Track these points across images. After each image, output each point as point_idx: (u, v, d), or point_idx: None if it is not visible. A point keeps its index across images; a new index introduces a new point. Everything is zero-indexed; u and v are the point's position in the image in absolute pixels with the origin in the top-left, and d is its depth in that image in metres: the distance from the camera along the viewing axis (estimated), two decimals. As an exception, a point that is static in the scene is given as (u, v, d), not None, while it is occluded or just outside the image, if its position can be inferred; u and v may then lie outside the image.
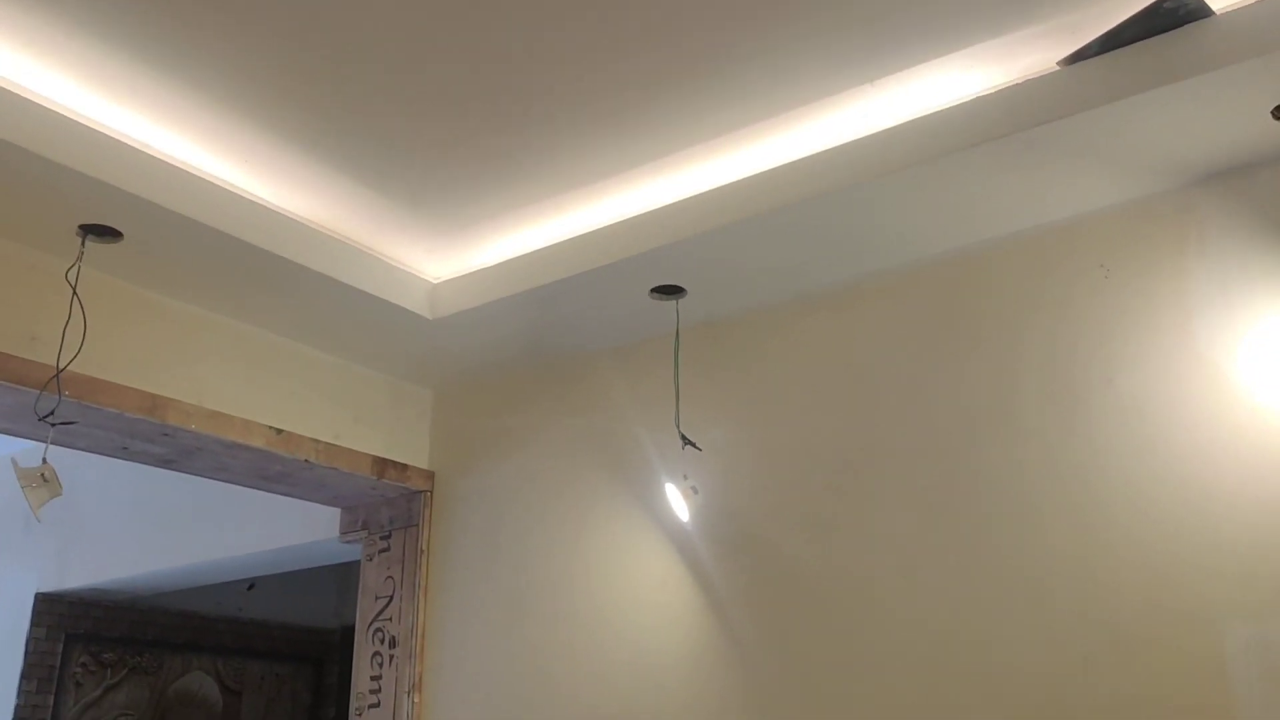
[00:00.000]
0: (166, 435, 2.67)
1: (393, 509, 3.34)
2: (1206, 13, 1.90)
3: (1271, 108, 1.97)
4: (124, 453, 2.82)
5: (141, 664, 4.81)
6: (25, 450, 3.03)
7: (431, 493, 3.30)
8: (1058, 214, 2.35)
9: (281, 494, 3.27)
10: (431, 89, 2.15)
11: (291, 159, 2.38)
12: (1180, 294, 2.17)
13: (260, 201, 2.49)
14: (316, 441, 2.97)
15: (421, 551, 3.22)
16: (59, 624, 4.54)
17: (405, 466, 3.24)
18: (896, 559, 2.34)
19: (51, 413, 2.33)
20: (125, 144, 2.22)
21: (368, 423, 3.17)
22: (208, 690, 5.08)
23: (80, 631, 4.60)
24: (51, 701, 4.46)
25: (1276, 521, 1.95)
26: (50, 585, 4.53)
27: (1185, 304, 2.16)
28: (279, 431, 2.86)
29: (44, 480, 2.31)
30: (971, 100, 2.14)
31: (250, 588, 5.24)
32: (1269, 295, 1.99)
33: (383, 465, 3.16)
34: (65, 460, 2.49)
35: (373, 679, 3.18)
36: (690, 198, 2.47)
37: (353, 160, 2.40)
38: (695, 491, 2.59)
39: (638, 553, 2.77)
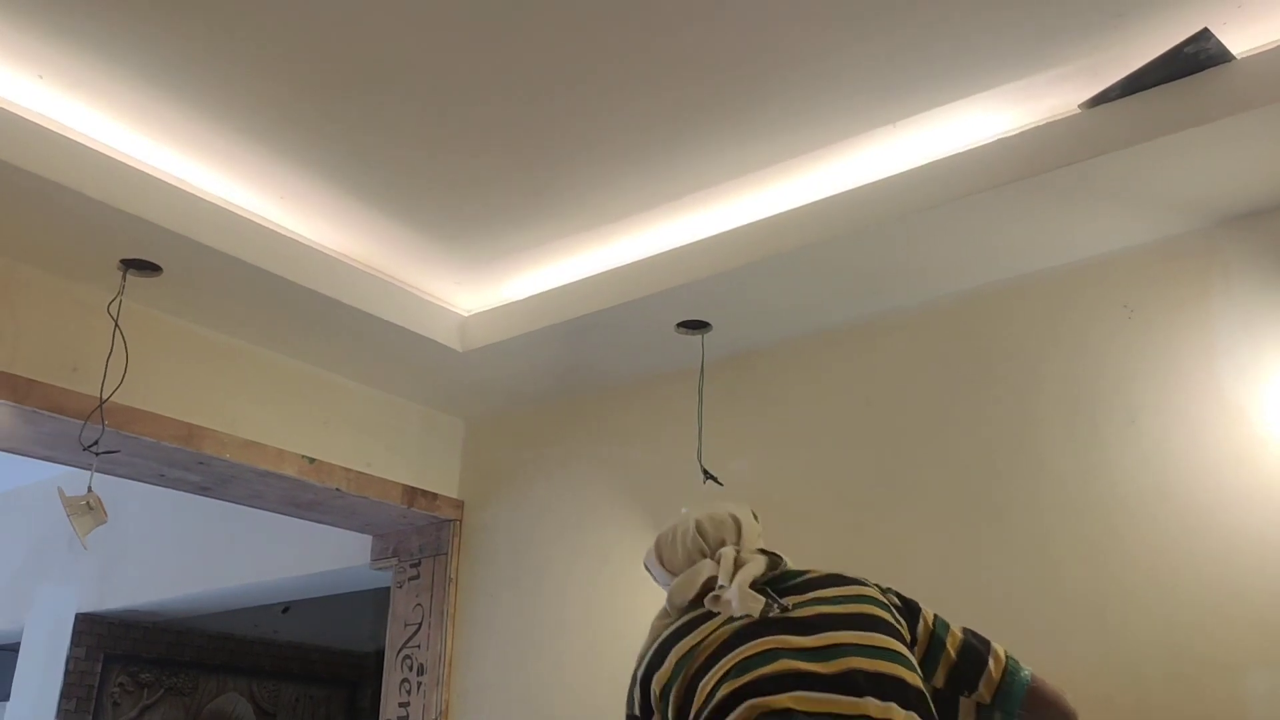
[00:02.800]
0: (202, 464, 2.74)
1: (422, 537, 3.38)
2: (1227, 58, 1.91)
3: (1295, 150, 1.97)
4: (161, 480, 2.89)
5: (178, 685, 4.89)
6: (65, 474, 3.13)
7: (461, 522, 3.34)
8: (1080, 253, 2.35)
9: (314, 521, 3.33)
10: (462, 125, 2.20)
11: (326, 195, 2.45)
12: (1204, 335, 2.16)
13: (295, 237, 2.56)
14: (348, 470, 3.02)
15: (450, 580, 3.26)
16: (98, 644, 4.63)
17: (435, 495, 3.28)
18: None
19: (95, 442, 2.40)
20: (165, 181, 2.29)
21: (399, 452, 3.22)
22: (242, 711, 5.15)
23: (119, 652, 4.69)
24: (90, 720, 4.55)
25: (1300, 568, 1.93)
26: (90, 606, 4.63)
27: (1209, 345, 2.15)
28: (311, 460, 2.92)
29: (89, 508, 2.38)
30: (994, 142, 2.16)
31: (285, 611, 5.30)
32: (1293, 338, 1.98)
33: (412, 494, 3.21)
34: (107, 485, 2.57)
35: (401, 705, 3.22)
36: (716, 235, 2.50)
37: (385, 196, 2.46)
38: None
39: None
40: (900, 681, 1.53)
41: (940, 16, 1.90)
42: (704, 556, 1.79)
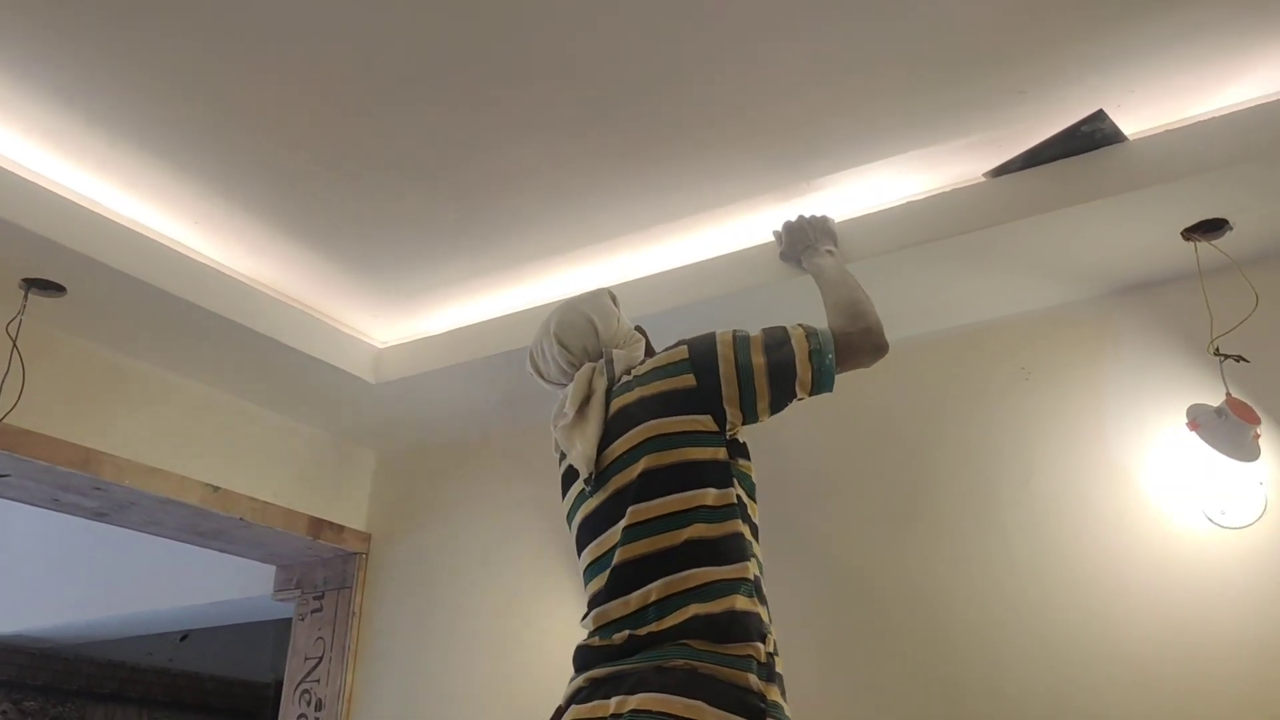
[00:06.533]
0: (99, 489, 2.67)
1: (327, 569, 3.33)
2: (1120, 138, 2.01)
3: (1181, 229, 2.07)
4: (56, 505, 2.80)
5: (63, 714, 4.72)
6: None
7: (367, 555, 3.30)
8: (981, 315, 2.43)
9: (216, 550, 3.25)
10: (383, 160, 2.20)
11: (241, 222, 2.42)
12: (1095, 400, 2.25)
13: (207, 262, 2.52)
14: (253, 500, 2.97)
15: (353, 614, 3.21)
16: (-20, 670, 4.46)
17: (342, 528, 3.24)
18: (811, 658, 2.36)
19: (-16, 463, 2.32)
20: (72, 201, 2.25)
21: (307, 482, 3.17)
22: (131, 742, 4.99)
23: (2, 679, 4.51)
24: (-32, 749, 4.37)
25: (1170, 630, 2.01)
26: (-28, 630, 4.46)
27: (1100, 410, 2.23)
28: (215, 489, 2.86)
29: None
30: (902, 205, 2.23)
31: (183, 639, 5.16)
32: (1175, 406, 2.07)
33: (319, 525, 3.16)
34: (-6, 508, 2.49)
35: (296, 742, 3.15)
36: (631, 281, 2.53)
37: (303, 226, 2.44)
38: None
39: (571, 625, 2.77)
40: None
41: (857, 84, 1.96)
42: (575, 367, 1.93)
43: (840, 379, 1.83)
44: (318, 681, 3.19)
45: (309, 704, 3.17)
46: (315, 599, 3.32)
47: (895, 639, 2.28)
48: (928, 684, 2.21)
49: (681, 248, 2.49)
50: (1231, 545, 2.01)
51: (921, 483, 2.38)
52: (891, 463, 2.43)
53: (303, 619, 3.33)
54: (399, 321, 2.89)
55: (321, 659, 3.21)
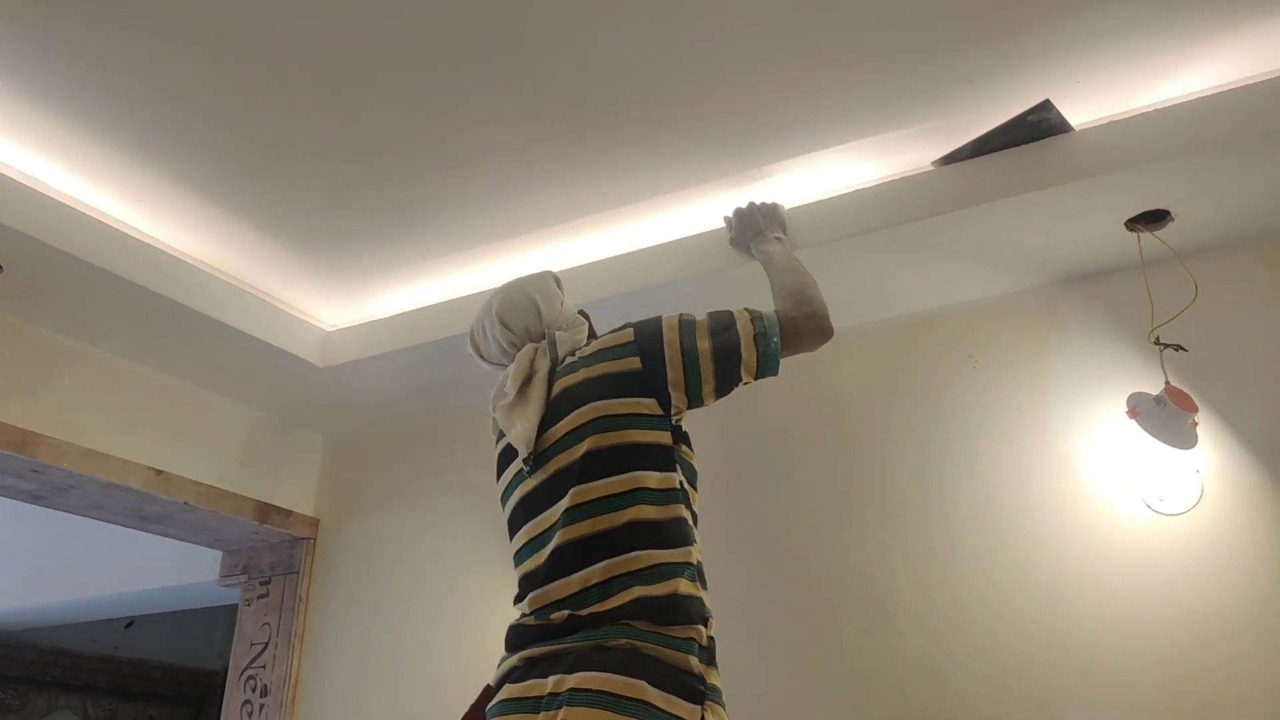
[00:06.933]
0: (37, 472, 2.61)
1: (274, 555, 3.29)
2: (1066, 128, 2.02)
3: (1125, 219, 2.10)
4: (-9, 487, 2.75)
5: (4, 701, 4.63)
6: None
7: (315, 541, 3.26)
8: (930, 303, 2.45)
9: (160, 534, 3.20)
10: (332, 139, 2.17)
11: (185, 201, 2.37)
12: (1040, 388, 2.27)
13: (151, 242, 2.47)
14: (198, 484, 2.92)
15: (300, 599, 3.18)
16: (-83, 657, 4.36)
17: (289, 513, 3.20)
18: (754, 643, 2.37)
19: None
20: (7, 177, 2.19)
21: (254, 466, 3.13)
22: (75, 730, 4.91)
23: (-60, 665, 4.43)
24: (-95, 738, 4.28)
25: (1112, 613, 2.04)
26: (-91, 616, 4.36)
27: (1044, 398, 2.26)
28: (159, 473, 2.82)
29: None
30: (851, 193, 2.24)
31: (128, 626, 5.08)
32: (1117, 394, 2.10)
33: (265, 510, 3.12)
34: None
35: (240, 729, 3.11)
36: (585, 265, 2.52)
37: (250, 206, 2.40)
38: None
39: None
40: None
41: (808, 72, 1.96)
42: (516, 348, 1.92)
43: (788, 366, 1.84)
44: (264, 667, 3.15)
45: (254, 690, 3.13)
46: (262, 584, 3.28)
47: (839, 625, 2.29)
48: (870, 670, 2.22)
49: (632, 233, 2.48)
50: (1169, 531, 2.04)
51: (868, 470, 2.39)
52: (838, 450, 2.44)
53: (249, 604, 3.29)
54: (348, 304, 2.86)
55: (268, 645, 3.18)
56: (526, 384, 1.82)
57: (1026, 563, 2.15)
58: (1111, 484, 2.12)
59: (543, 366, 1.82)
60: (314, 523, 3.28)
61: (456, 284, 2.71)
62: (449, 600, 2.89)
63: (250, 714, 3.11)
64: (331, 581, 3.18)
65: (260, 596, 3.27)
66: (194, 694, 5.32)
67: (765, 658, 2.34)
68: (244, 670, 3.20)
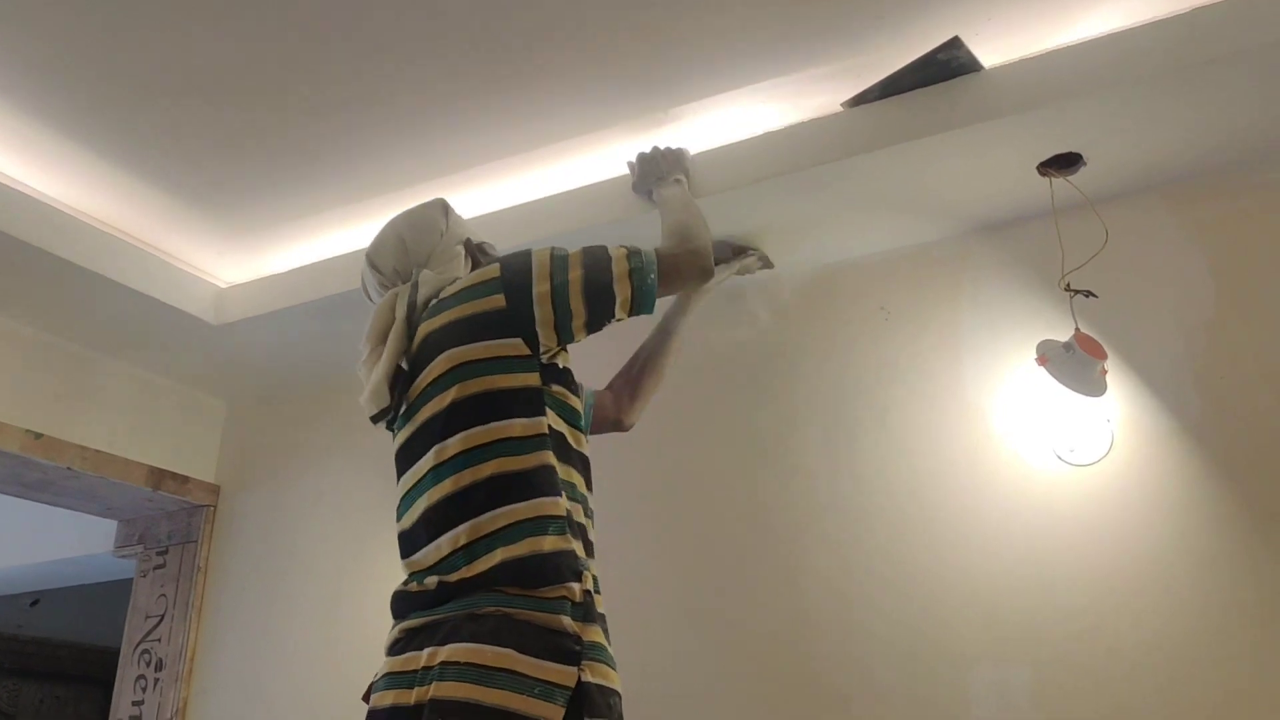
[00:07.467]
0: (-99, 434, 2.45)
1: (173, 523, 3.15)
2: (976, 67, 1.96)
3: (1037, 163, 2.05)
4: None
5: (-105, 684, 4.42)
6: None
7: (215, 508, 3.13)
8: (842, 254, 2.38)
9: (46, 503, 3.04)
10: (220, 78, 2.04)
11: (64, 148, 2.23)
12: (952, 338, 2.22)
13: (26, 190, 2.32)
14: (83, 448, 2.77)
15: (199, 569, 3.04)
16: None
17: (186, 479, 3.06)
18: (661, 599, 2.31)
19: None
20: None
21: (146, 431, 2.98)
22: (-26, 713, 4.70)
23: None
24: None
25: (1020, 566, 2.00)
26: None
27: (956, 348, 2.21)
28: (37, 435, 2.66)
29: None
30: (759, 136, 2.16)
31: (34, 604, 4.88)
32: (1028, 343, 2.05)
33: (159, 476, 2.97)
34: None
35: (134, 704, 2.98)
36: (487, 214, 2.41)
37: (128, 149, 2.26)
38: None
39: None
40: None
41: (713, 9, 1.88)
42: (385, 289, 1.82)
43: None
44: (159, 640, 3.02)
45: (148, 664, 3.00)
46: (159, 554, 3.14)
47: (747, 579, 2.23)
48: (780, 624, 2.17)
49: (541, 179, 2.38)
50: (1080, 482, 2.00)
51: (778, 422, 2.33)
52: (748, 401, 2.38)
53: (145, 575, 3.15)
54: (245, 259, 2.72)
55: (164, 617, 3.04)
56: (386, 333, 1.70)
57: (936, 516, 2.10)
58: (1022, 435, 2.08)
59: (401, 312, 1.70)
60: (214, 489, 3.14)
61: (357, 236, 2.59)
62: (351, 568, 2.79)
63: (144, 689, 2.98)
64: (232, 550, 3.05)
65: (157, 567, 3.13)
66: (103, 674, 5.12)
67: (670, 617, 2.27)
68: (138, 644, 3.06)
